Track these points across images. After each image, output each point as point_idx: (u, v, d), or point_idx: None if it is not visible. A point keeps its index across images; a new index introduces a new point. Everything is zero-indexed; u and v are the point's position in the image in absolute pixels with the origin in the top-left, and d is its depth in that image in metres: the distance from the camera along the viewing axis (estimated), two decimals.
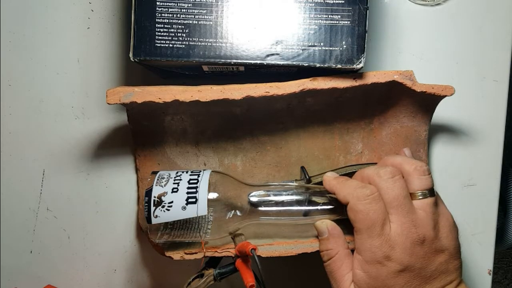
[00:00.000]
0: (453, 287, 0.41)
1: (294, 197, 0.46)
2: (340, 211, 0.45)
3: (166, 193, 0.42)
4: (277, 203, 0.46)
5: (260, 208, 0.46)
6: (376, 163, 0.48)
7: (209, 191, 0.43)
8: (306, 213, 0.46)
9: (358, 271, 0.41)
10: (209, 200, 0.43)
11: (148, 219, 0.42)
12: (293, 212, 0.46)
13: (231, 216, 0.44)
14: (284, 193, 0.46)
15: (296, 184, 0.49)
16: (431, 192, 0.42)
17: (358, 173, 0.44)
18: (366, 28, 0.43)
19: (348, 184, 0.42)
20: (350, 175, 0.47)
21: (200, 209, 0.43)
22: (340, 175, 0.46)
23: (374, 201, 0.40)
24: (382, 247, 0.40)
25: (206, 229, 0.44)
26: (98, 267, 0.56)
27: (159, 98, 0.44)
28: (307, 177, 0.50)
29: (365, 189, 0.41)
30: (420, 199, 0.41)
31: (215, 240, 0.46)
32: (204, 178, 0.44)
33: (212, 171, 0.45)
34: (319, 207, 0.46)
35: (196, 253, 0.46)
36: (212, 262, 0.47)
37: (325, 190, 0.45)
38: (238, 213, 0.45)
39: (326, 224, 0.44)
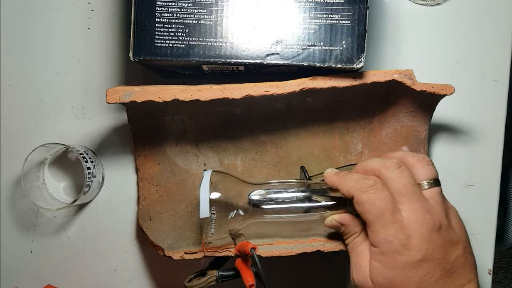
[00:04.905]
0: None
1: (297, 195, 0.46)
2: (344, 206, 0.44)
3: None
4: (280, 201, 0.46)
5: (263, 207, 0.45)
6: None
7: (211, 191, 0.43)
8: (309, 210, 0.46)
9: (374, 261, 0.39)
10: (211, 200, 0.43)
11: None
12: (296, 209, 0.46)
13: (233, 215, 0.44)
14: (287, 191, 0.46)
15: (299, 181, 0.49)
16: (436, 181, 0.41)
17: (360, 167, 0.43)
18: (366, 28, 0.43)
19: (350, 177, 0.42)
20: None
21: (202, 211, 0.43)
22: (313, 181, 0.46)
23: (378, 190, 0.39)
24: (397, 235, 0.38)
25: (210, 229, 0.44)
26: (98, 267, 0.56)
27: (159, 98, 0.44)
28: (307, 177, 0.50)
29: (367, 180, 0.40)
30: (426, 188, 0.40)
31: (218, 240, 0.46)
32: (205, 179, 0.44)
33: (213, 171, 0.45)
34: (322, 203, 0.45)
35: (196, 253, 0.46)
36: (216, 263, 0.47)
37: (327, 186, 0.45)
38: (241, 212, 0.45)
39: (334, 218, 0.44)
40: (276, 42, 0.43)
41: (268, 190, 0.46)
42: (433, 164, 0.42)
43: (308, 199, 0.46)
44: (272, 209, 0.46)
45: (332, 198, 0.45)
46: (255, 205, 0.45)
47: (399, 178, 0.40)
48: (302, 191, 0.46)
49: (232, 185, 0.45)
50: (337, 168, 0.50)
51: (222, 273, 0.45)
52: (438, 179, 0.41)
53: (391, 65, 0.56)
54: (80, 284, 0.56)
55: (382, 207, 0.39)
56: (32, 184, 0.52)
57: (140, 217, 0.49)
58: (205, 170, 0.46)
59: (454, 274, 0.38)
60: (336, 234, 0.48)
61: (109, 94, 0.44)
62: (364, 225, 0.41)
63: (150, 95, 0.44)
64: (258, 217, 0.46)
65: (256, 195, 0.46)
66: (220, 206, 0.44)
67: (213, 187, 0.44)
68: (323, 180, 0.45)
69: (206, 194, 0.43)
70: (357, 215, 0.42)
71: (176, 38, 0.43)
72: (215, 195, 0.44)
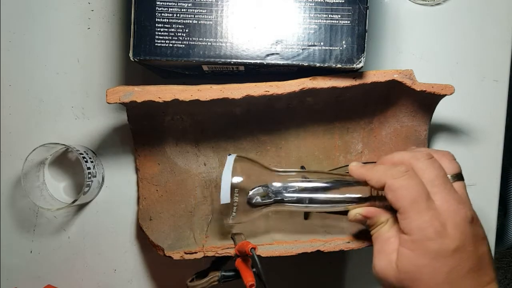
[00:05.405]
0: None
1: (321, 185, 0.45)
2: (366, 200, 0.43)
3: None
4: (302, 191, 0.45)
5: (285, 195, 0.45)
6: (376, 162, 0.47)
7: (234, 176, 0.43)
8: (331, 202, 0.45)
9: (404, 249, 0.38)
10: (235, 184, 0.43)
11: None
12: (319, 200, 0.45)
13: (256, 201, 0.44)
14: (310, 181, 0.45)
15: (323, 172, 0.48)
16: (460, 176, 0.41)
17: (386, 159, 0.42)
18: (366, 28, 0.43)
19: (379, 167, 0.40)
20: None
21: (223, 197, 0.42)
22: (334, 172, 0.46)
23: (412, 176, 0.38)
24: (432, 222, 0.36)
25: (232, 212, 0.44)
26: (98, 267, 0.56)
27: (159, 98, 0.44)
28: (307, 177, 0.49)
29: (399, 167, 0.39)
30: (452, 182, 0.40)
31: (241, 225, 0.46)
32: (228, 164, 0.43)
33: (237, 156, 0.45)
34: (347, 195, 0.44)
35: (196, 253, 0.46)
36: (219, 262, 0.47)
37: (352, 179, 0.43)
38: (263, 199, 0.44)
39: (359, 212, 0.42)
40: (276, 42, 0.43)
41: (292, 179, 0.45)
42: (456, 159, 0.42)
43: (332, 190, 0.45)
44: (294, 198, 0.45)
45: (359, 191, 0.44)
46: (278, 193, 0.45)
47: (431, 168, 0.39)
48: (327, 182, 0.45)
49: (256, 171, 0.45)
50: (336, 168, 0.50)
51: (224, 273, 0.45)
52: (461, 173, 0.41)
53: (391, 65, 0.56)
54: (80, 284, 0.56)
55: (416, 193, 0.37)
56: (32, 184, 0.52)
57: (140, 217, 0.49)
58: (229, 155, 0.45)
59: (481, 270, 0.37)
60: (336, 235, 0.48)
61: (109, 94, 0.44)
62: (391, 215, 0.40)
63: (150, 95, 0.44)
64: (280, 205, 0.45)
65: (279, 183, 0.45)
66: (243, 191, 0.44)
67: (237, 172, 0.43)
68: (347, 172, 0.44)
69: (228, 180, 0.42)
70: (382, 208, 0.41)
71: (176, 38, 0.43)
72: (238, 179, 0.43)
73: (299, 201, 0.45)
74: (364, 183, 0.41)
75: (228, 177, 0.43)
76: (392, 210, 0.39)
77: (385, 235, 0.40)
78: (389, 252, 0.39)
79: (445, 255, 0.36)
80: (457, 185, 0.40)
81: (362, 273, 0.57)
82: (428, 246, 0.36)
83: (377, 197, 0.42)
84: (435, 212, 0.37)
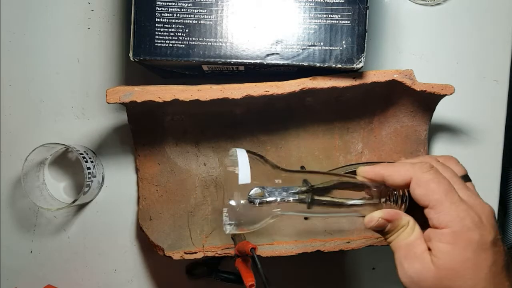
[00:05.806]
0: None
1: (335, 187, 0.40)
2: (376, 205, 0.39)
3: None
4: (316, 194, 0.40)
5: (298, 198, 0.40)
6: (376, 163, 0.46)
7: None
8: (348, 206, 0.40)
9: (441, 244, 0.35)
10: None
11: None
12: (332, 204, 0.40)
13: (258, 204, 0.39)
14: (324, 183, 0.40)
15: (335, 174, 0.44)
16: (467, 177, 0.40)
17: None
18: (366, 28, 0.43)
19: (398, 164, 0.38)
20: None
21: (242, 177, 0.37)
22: (342, 173, 0.45)
23: (437, 171, 0.36)
24: (469, 212, 0.34)
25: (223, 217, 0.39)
26: (98, 267, 0.56)
27: (159, 98, 0.44)
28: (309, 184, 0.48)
29: (423, 163, 0.37)
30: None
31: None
32: (242, 155, 0.38)
33: (246, 151, 0.40)
34: (364, 201, 0.40)
35: (196, 253, 0.46)
36: (215, 261, 0.47)
37: (358, 181, 0.40)
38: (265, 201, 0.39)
39: (381, 216, 0.38)
40: (276, 42, 0.43)
41: (298, 181, 0.40)
42: (460, 162, 0.41)
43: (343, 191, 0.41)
44: (308, 201, 0.39)
45: (375, 192, 0.40)
46: (287, 196, 0.39)
47: (445, 170, 0.38)
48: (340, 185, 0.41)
49: (261, 169, 0.40)
50: (336, 168, 0.50)
51: (223, 275, 0.44)
52: (468, 175, 0.40)
53: (391, 65, 0.56)
54: (80, 284, 0.56)
55: (448, 185, 0.35)
56: (32, 184, 0.52)
57: (140, 217, 0.49)
58: (236, 148, 0.40)
59: (509, 268, 0.36)
60: (336, 235, 0.48)
61: (109, 94, 0.44)
62: (410, 216, 0.38)
63: (150, 95, 0.44)
64: (289, 208, 0.40)
65: (288, 185, 0.40)
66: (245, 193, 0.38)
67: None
68: (353, 171, 0.40)
69: (245, 161, 0.37)
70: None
71: (176, 38, 0.43)
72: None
73: (312, 204, 0.40)
74: (380, 183, 0.38)
75: (245, 158, 0.38)
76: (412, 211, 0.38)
77: (409, 239, 0.37)
78: (419, 253, 0.36)
79: (486, 247, 0.34)
80: (468, 185, 0.39)
81: (362, 273, 0.57)
82: (470, 237, 0.34)
83: (389, 199, 0.39)
84: (467, 203, 0.35)
